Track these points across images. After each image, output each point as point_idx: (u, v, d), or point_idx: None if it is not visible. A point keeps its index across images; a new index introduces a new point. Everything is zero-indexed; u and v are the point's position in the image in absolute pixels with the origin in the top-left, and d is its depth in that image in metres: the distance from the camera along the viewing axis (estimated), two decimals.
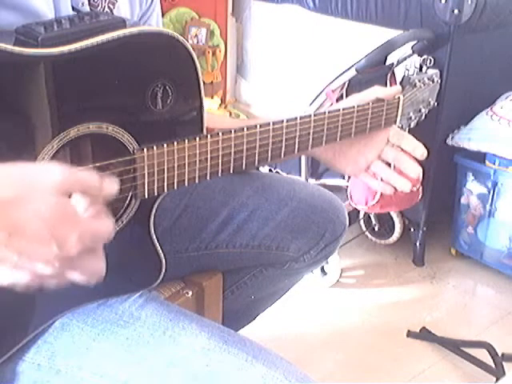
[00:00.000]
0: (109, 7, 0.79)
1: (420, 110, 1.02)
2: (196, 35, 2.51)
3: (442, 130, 1.88)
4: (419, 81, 0.99)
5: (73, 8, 0.75)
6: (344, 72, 1.75)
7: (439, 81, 1.04)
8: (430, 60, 1.59)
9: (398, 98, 0.95)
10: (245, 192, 1.03)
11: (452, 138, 1.90)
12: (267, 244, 1.04)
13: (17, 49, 0.62)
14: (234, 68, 2.71)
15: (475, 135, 1.85)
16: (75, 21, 0.68)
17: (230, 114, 2.62)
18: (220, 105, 2.65)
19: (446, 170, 1.93)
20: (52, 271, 0.54)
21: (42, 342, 0.77)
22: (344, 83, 1.76)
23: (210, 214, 1.02)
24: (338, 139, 0.90)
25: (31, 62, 0.63)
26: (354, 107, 0.89)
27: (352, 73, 1.73)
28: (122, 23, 0.70)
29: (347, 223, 1.10)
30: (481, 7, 1.70)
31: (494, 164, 1.83)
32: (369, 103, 0.91)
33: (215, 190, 1.03)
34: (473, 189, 1.92)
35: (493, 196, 1.87)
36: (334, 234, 1.07)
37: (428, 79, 1.01)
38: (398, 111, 0.95)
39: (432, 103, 1.04)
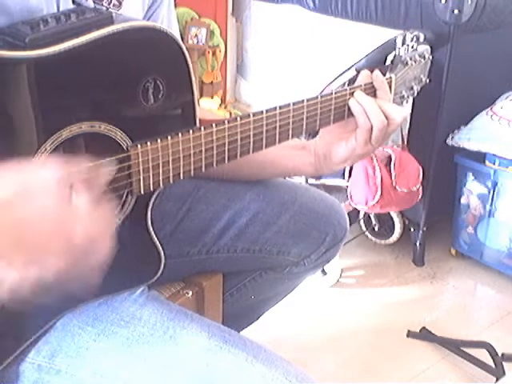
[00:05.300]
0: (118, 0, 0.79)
1: (412, 88, 1.01)
2: (196, 35, 2.51)
3: (441, 130, 1.88)
4: (410, 58, 0.98)
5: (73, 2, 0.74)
6: (344, 72, 1.75)
7: (430, 57, 1.02)
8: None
9: (390, 77, 0.94)
10: (247, 196, 1.03)
11: (452, 137, 1.90)
12: (268, 249, 1.04)
13: (5, 52, 0.61)
14: (234, 68, 2.71)
15: (475, 135, 1.85)
16: (61, 19, 0.67)
17: (230, 114, 2.62)
18: (220, 105, 2.66)
19: (446, 169, 1.93)
20: (64, 263, 0.54)
21: (43, 343, 0.77)
22: (344, 83, 1.76)
23: (211, 218, 1.02)
24: (331, 122, 0.90)
25: (20, 65, 0.62)
26: (346, 89, 0.89)
27: (352, 73, 1.73)
28: (108, 19, 0.69)
29: (348, 228, 1.10)
30: (481, 7, 1.70)
31: (494, 164, 1.83)
32: (361, 85, 0.91)
33: (217, 194, 1.03)
34: (473, 189, 1.92)
35: (493, 196, 1.87)
36: (334, 238, 1.07)
37: (419, 56, 1.00)
38: (390, 91, 0.94)
39: (424, 80, 1.03)
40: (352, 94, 0.90)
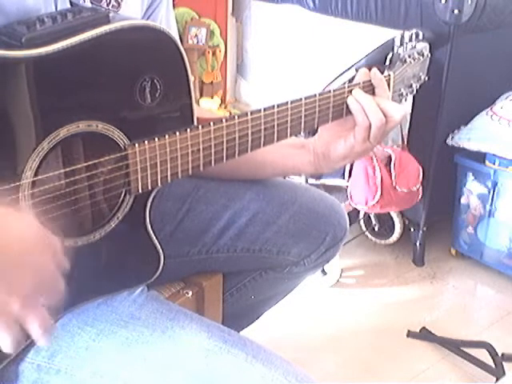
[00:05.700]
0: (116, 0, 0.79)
1: (411, 86, 1.01)
2: (196, 35, 2.50)
3: (441, 130, 1.88)
4: (409, 56, 0.97)
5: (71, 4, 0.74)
6: (344, 72, 1.75)
7: (429, 54, 1.02)
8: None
9: (389, 75, 0.94)
10: (247, 196, 1.03)
11: (452, 137, 1.89)
12: (268, 248, 1.04)
13: (0, 52, 0.61)
14: (234, 68, 2.71)
15: (475, 135, 1.85)
16: (58, 18, 0.67)
17: (230, 114, 2.62)
18: (220, 105, 2.65)
19: (446, 169, 1.93)
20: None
21: None
22: (344, 83, 1.76)
23: (211, 217, 1.02)
24: (330, 120, 0.90)
25: (16, 64, 0.62)
26: (344, 87, 0.89)
27: (352, 73, 1.73)
28: (105, 18, 0.69)
29: (348, 228, 1.10)
30: (481, 7, 1.70)
31: (494, 164, 1.83)
32: (359, 83, 0.91)
33: (217, 194, 1.03)
34: (473, 189, 1.92)
35: (493, 196, 1.87)
36: (334, 238, 1.07)
37: (418, 54, 0.99)
38: (388, 88, 0.94)
39: (423, 78, 1.02)
40: (350, 91, 0.90)
